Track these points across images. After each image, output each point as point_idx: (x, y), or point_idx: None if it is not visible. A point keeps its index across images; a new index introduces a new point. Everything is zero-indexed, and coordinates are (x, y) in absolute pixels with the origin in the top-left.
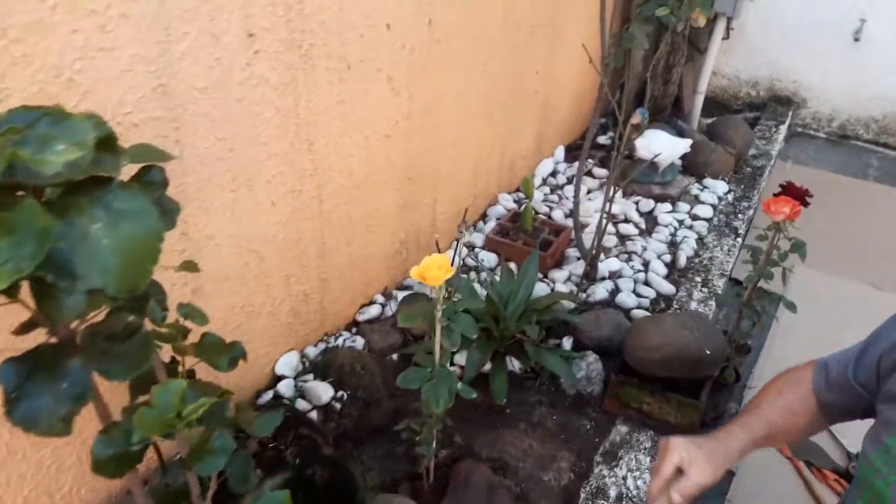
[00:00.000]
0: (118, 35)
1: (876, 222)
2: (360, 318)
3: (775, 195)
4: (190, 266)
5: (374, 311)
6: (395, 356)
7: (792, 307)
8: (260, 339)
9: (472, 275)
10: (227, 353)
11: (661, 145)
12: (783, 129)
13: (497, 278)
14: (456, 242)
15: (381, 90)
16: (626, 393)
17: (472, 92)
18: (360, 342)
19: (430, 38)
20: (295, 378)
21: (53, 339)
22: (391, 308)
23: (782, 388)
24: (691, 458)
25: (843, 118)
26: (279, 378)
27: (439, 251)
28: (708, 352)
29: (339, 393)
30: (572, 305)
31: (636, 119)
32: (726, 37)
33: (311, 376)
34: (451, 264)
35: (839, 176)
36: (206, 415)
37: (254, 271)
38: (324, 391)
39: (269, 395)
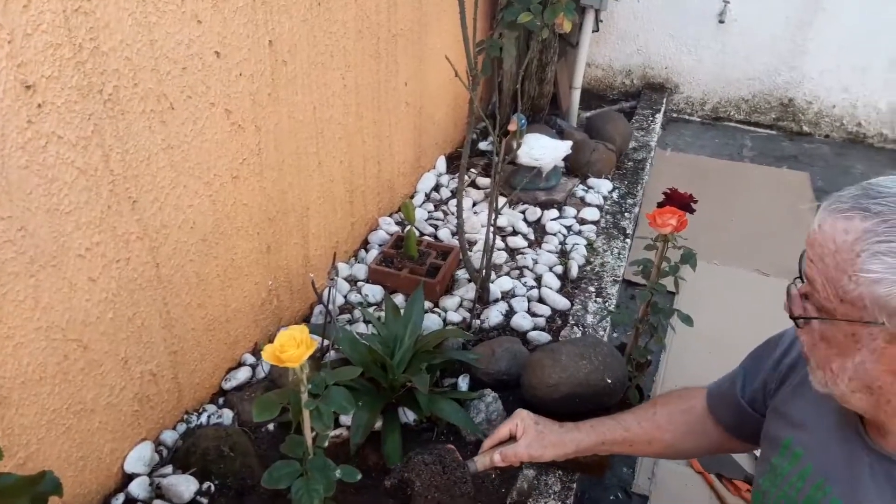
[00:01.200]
0: None
1: (754, 204)
2: (228, 385)
3: (659, 205)
4: None
5: (243, 374)
6: (271, 426)
7: (688, 321)
8: (100, 436)
9: (357, 313)
10: (29, 492)
11: (542, 149)
12: (659, 117)
13: (383, 315)
14: (328, 291)
15: (219, 127)
16: None
17: (332, 111)
18: (228, 416)
19: (272, 60)
20: (150, 474)
21: None
22: (264, 368)
23: (657, 402)
24: (526, 430)
25: (715, 100)
26: (130, 477)
27: (316, 293)
28: (609, 381)
29: (206, 485)
30: (468, 336)
31: (513, 125)
32: (596, 29)
33: (169, 468)
34: (320, 304)
35: (715, 159)
36: None
37: (77, 364)
38: (186, 486)
39: (119, 499)
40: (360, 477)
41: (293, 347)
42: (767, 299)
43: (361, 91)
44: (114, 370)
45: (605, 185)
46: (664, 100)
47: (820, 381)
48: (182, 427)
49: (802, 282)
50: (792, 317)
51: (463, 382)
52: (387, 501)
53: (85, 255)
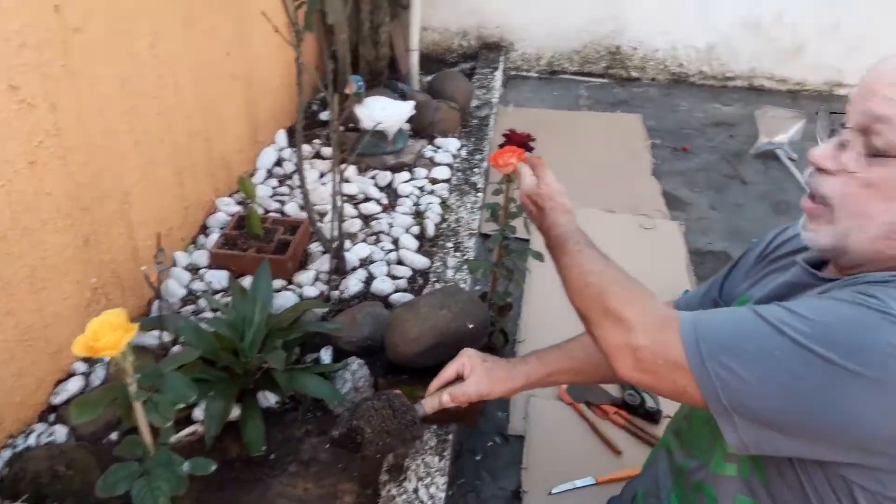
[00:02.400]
0: None
1: (594, 148)
2: (57, 399)
3: (500, 146)
4: None
5: (74, 385)
6: (113, 436)
7: (539, 257)
8: None
9: (202, 302)
10: None
11: (383, 111)
12: (498, 74)
13: (230, 300)
14: (158, 278)
15: (2, 106)
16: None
17: (144, 84)
18: (61, 433)
19: (62, 27)
20: None
21: None
22: (99, 374)
23: None
24: (473, 368)
25: (549, 55)
26: None
27: (152, 286)
28: (471, 326)
29: None
30: (325, 309)
31: (349, 88)
32: None
33: None
34: (158, 299)
35: (555, 111)
36: None
37: None
38: None
39: None
40: (214, 468)
41: (109, 333)
42: (616, 233)
43: (177, 62)
44: None
45: (452, 144)
46: (501, 58)
47: (838, 233)
48: (7, 453)
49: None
50: (824, 169)
51: (325, 355)
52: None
53: None
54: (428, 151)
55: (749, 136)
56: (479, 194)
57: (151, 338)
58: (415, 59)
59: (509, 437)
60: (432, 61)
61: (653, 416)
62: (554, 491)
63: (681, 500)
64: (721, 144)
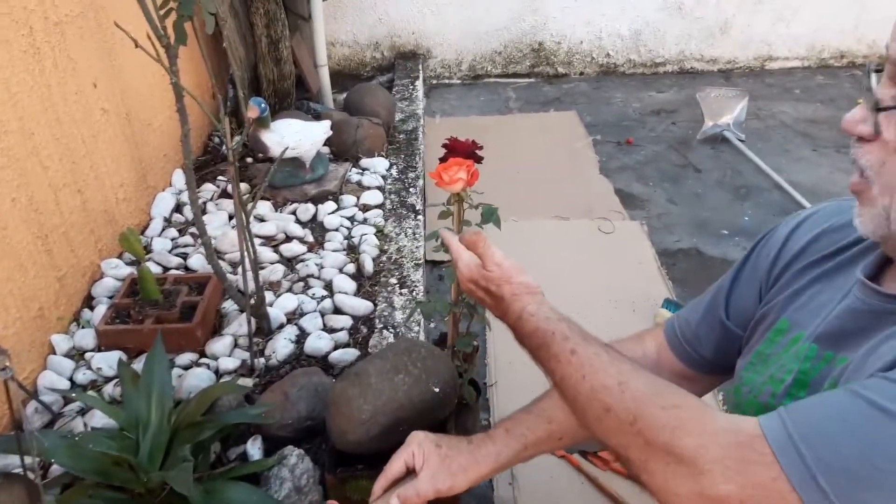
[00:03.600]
0: None
1: (533, 152)
2: None
3: (441, 160)
4: None
5: None
6: None
7: (496, 220)
8: None
9: (93, 395)
10: None
11: (295, 135)
12: (419, 84)
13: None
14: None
15: None
16: (357, 487)
17: None
18: None
19: None
20: None
21: None
22: None
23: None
24: (427, 457)
25: (470, 59)
26: None
27: (10, 399)
28: (436, 389)
29: None
30: (249, 384)
31: (252, 112)
32: None
33: None
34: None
35: (485, 117)
36: None
37: None
38: None
39: None
40: None
41: None
42: (574, 242)
43: (21, 101)
44: None
45: (380, 164)
46: (420, 66)
47: (877, 214)
48: None
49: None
50: (860, 136)
51: (254, 448)
52: None
53: None
54: (354, 175)
55: (692, 122)
56: (420, 217)
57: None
58: (325, 75)
59: None
60: (346, 77)
61: None
62: None
63: None
64: (665, 133)
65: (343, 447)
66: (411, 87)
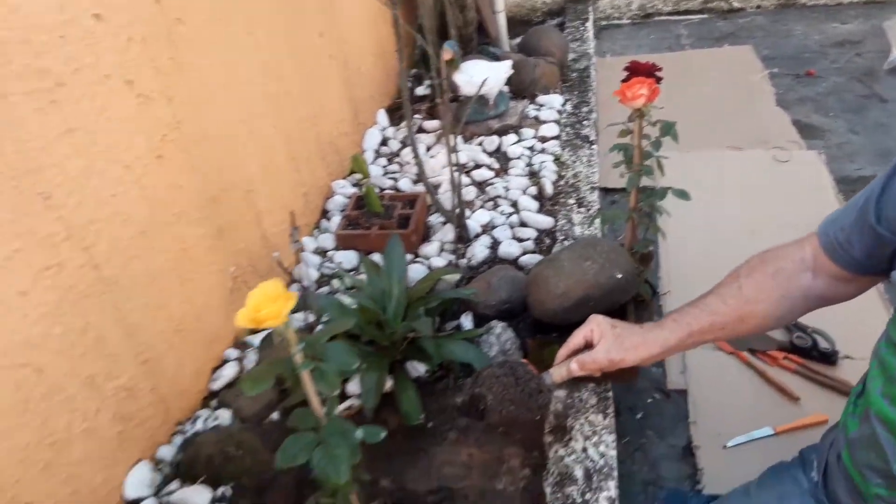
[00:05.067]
0: None
1: (706, 87)
2: (216, 385)
3: (624, 81)
4: None
5: (230, 371)
6: (274, 415)
7: (684, 195)
8: (87, 467)
9: (336, 283)
10: None
11: (482, 75)
12: (589, 25)
13: (364, 277)
14: (296, 254)
15: (124, 101)
16: (551, 353)
17: (249, 72)
18: (225, 416)
19: (165, 19)
20: (157, 494)
21: None
22: (252, 358)
23: (739, 274)
24: (603, 334)
25: None
26: (136, 502)
27: (285, 270)
28: (619, 275)
29: (220, 490)
30: (457, 277)
31: (447, 55)
32: None
33: (176, 484)
34: (299, 282)
35: (656, 55)
36: None
37: (36, 390)
38: (199, 496)
39: None
40: (384, 435)
41: (269, 303)
42: (749, 171)
43: (276, 48)
44: (81, 391)
45: (556, 100)
46: (589, 8)
47: None
48: (178, 439)
49: None
50: None
51: (466, 321)
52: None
53: (6, 266)
54: (531, 111)
55: (879, 52)
56: (594, 147)
57: (295, 320)
58: (502, 20)
59: (670, 393)
60: (518, 24)
61: (829, 358)
62: (729, 444)
63: None
64: (848, 64)
65: (540, 317)
66: (582, 28)
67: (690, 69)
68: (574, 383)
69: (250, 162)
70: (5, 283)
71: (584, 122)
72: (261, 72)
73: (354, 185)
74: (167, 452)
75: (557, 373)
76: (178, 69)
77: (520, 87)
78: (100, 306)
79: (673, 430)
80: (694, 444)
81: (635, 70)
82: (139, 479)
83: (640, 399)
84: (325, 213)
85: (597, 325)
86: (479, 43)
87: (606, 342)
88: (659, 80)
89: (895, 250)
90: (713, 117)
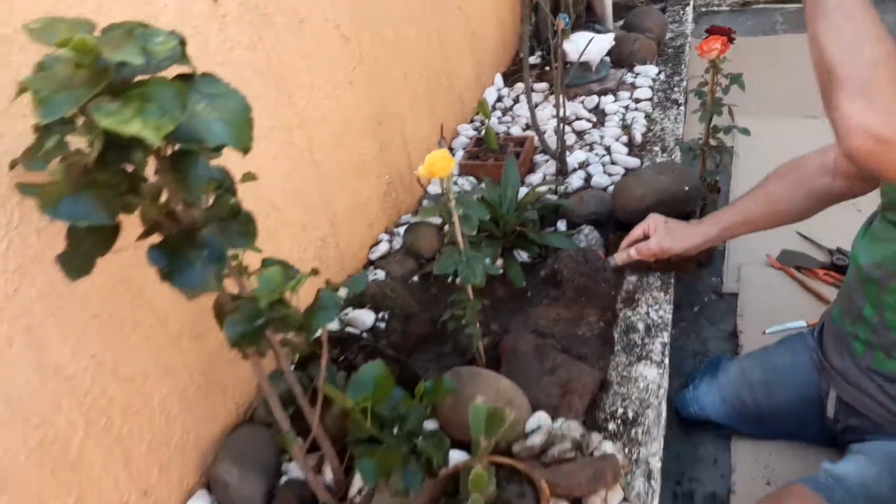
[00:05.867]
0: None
1: (793, 67)
2: (373, 256)
3: (704, 39)
4: (248, 176)
5: (382, 248)
6: (415, 278)
7: (745, 131)
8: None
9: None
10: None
11: (587, 44)
12: (689, 10)
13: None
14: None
15: (333, 39)
16: None
17: (408, 30)
18: (381, 274)
19: None
20: (338, 315)
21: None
22: (397, 242)
23: (770, 179)
24: (657, 227)
25: None
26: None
27: (421, 185)
28: (686, 188)
29: (381, 314)
30: (555, 197)
31: (559, 24)
32: None
33: (350, 309)
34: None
35: (750, 37)
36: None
37: (275, 221)
38: (366, 316)
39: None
40: (501, 271)
41: (441, 162)
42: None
43: (426, 17)
44: (298, 232)
45: (651, 70)
46: None
47: None
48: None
49: None
50: None
51: (561, 225)
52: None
53: (268, 136)
54: (629, 78)
55: None
56: (681, 108)
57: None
58: (608, 2)
59: (724, 295)
60: (623, 8)
61: None
62: (768, 331)
63: (875, 305)
64: None
65: (621, 217)
66: (682, 12)
67: (781, 51)
68: (642, 270)
69: (403, 100)
70: (263, 149)
71: (675, 89)
72: (415, 33)
73: (475, 129)
74: (343, 292)
75: (619, 257)
76: (366, 20)
77: (620, 58)
78: (311, 178)
79: (722, 320)
80: (738, 329)
81: (714, 31)
82: None
83: (699, 298)
84: (451, 150)
85: (653, 221)
86: (585, 20)
87: (659, 233)
88: (732, 39)
89: None
90: (795, 91)
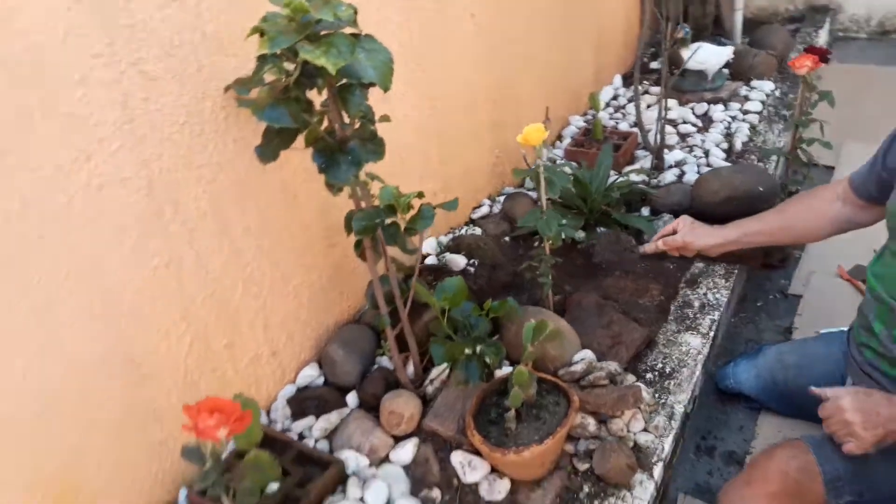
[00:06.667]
0: None
1: None
2: (474, 216)
3: (796, 57)
4: (384, 118)
5: (483, 210)
6: (506, 239)
7: (827, 145)
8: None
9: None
10: None
11: (706, 54)
12: (822, 32)
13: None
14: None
15: (468, 26)
16: None
17: (535, 22)
18: (478, 230)
19: None
20: (437, 255)
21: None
22: (497, 207)
23: (789, 201)
24: (684, 225)
25: (880, 15)
26: (425, 256)
27: (527, 163)
28: (761, 189)
29: (472, 260)
30: (651, 174)
31: (678, 33)
32: None
33: (447, 253)
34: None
35: (883, 67)
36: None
37: (398, 168)
38: (460, 260)
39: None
40: (576, 233)
41: (536, 132)
42: None
43: (556, 11)
44: (415, 180)
45: (767, 86)
46: (827, 19)
47: None
48: (450, 235)
49: None
50: None
51: (645, 211)
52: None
53: (402, 99)
54: (743, 90)
55: None
56: (786, 124)
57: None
58: (738, 18)
59: (788, 296)
60: (756, 24)
61: None
62: (822, 331)
63: (884, 323)
64: None
65: (697, 208)
66: (814, 34)
67: None
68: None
69: (521, 86)
70: (397, 108)
71: (786, 108)
72: (543, 27)
73: (585, 121)
74: (444, 239)
75: (649, 246)
76: (498, 11)
77: (738, 71)
78: (433, 138)
79: (781, 317)
80: (794, 326)
81: (810, 50)
82: (429, 245)
83: (765, 296)
84: (559, 137)
85: (682, 220)
86: (712, 33)
87: (685, 230)
88: (827, 60)
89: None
90: None
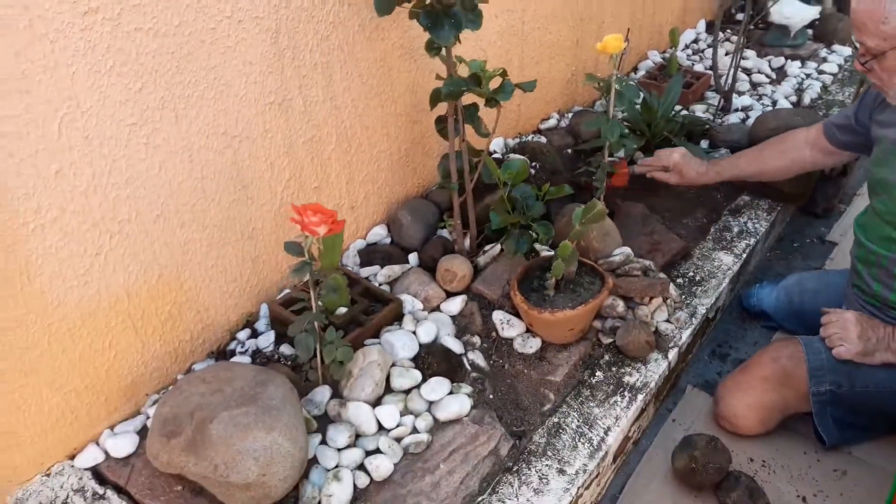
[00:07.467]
0: None
1: None
2: (542, 126)
3: None
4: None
5: (551, 122)
6: (569, 150)
7: None
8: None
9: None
10: None
11: (792, 9)
12: None
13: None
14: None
15: None
16: None
17: None
18: (543, 140)
19: None
20: (502, 154)
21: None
22: (565, 122)
23: (766, 144)
24: (677, 151)
25: None
26: (492, 153)
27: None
28: None
29: (534, 163)
30: (712, 108)
31: None
32: None
33: (512, 154)
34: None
35: None
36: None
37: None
38: (524, 161)
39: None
40: (636, 145)
41: (614, 42)
42: None
43: None
44: None
45: (847, 51)
46: None
47: (893, 95)
48: (517, 139)
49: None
50: (864, 72)
51: (703, 144)
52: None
53: (492, 2)
54: (823, 52)
55: None
56: (861, 89)
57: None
58: None
59: (825, 242)
60: None
61: None
62: None
63: (864, 263)
64: None
65: (754, 143)
66: None
67: None
68: (756, 196)
69: (607, 9)
70: (490, 14)
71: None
72: None
73: (662, 57)
74: (511, 142)
75: (639, 168)
76: None
77: (822, 32)
78: (517, 43)
79: (814, 259)
80: (824, 268)
81: None
82: (497, 144)
83: (803, 239)
84: (635, 69)
85: (678, 149)
86: None
87: (675, 156)
88: None
89: (866, 138)
90: None
